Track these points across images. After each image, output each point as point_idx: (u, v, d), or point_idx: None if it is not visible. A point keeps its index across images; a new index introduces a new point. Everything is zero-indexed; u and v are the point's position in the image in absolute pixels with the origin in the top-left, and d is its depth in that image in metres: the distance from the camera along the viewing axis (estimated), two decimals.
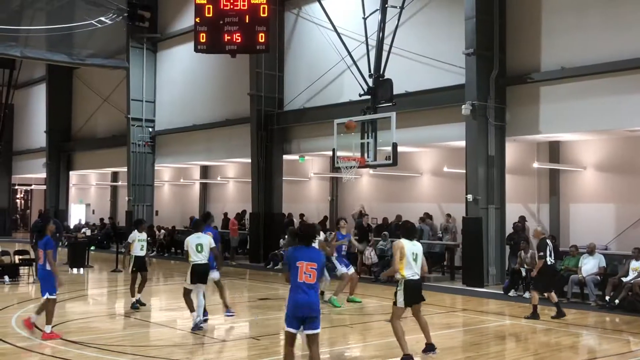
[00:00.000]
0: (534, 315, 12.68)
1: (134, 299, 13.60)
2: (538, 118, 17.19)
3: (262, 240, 23.78)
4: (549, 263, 12.91)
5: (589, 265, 14.66)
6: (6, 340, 9.91)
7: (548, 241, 13.13)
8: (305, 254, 7.13)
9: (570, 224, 18.92)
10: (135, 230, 13.99)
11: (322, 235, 14.75)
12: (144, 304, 13.89)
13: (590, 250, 14.97)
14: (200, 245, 11.29)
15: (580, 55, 16.31)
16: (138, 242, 13.80)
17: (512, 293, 15.74)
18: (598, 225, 17.61)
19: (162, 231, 28.75)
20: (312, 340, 7.04)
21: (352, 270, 14.76)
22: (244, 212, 27.44)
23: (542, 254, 12.84)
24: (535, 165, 18.95)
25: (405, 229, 9.39)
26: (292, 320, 6.99)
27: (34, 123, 39.95)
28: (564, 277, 15.05)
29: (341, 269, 14.40)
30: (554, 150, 19.23)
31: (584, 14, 16.43)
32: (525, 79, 17.31)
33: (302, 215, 25.86)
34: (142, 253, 13.84)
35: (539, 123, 17.17)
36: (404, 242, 9.06)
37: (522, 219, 18.83)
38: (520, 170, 19.60)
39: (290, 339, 7.09)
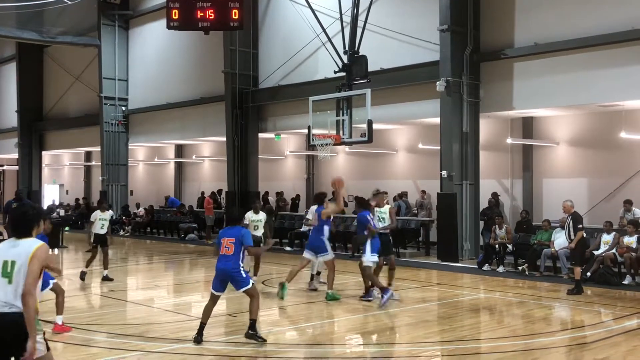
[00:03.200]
0: (579, 290, 12.60)
1: (85, 270, 14.34)
2: (512, 94, 17.31)
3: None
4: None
5: (561, 239, 14.85)
6: None
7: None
8: (227, 232, 8.96)
9: (543, 199, 19.18)
10: (98, 210, 14.54)
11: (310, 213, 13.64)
12: (111, 279, 14.29)
13: (563, 225, 15.17)
14: None
15: (553, 31, 16.42)
16: (99, 220, 14.30)
17: (486, 267, 15.94)
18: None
19: (141, 209, 28.50)
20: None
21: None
22: (219, 190, 27.37)
23: (580, 226, 12.88)
24: (509, 141, 19.12)
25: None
26: (217, 282, 8.85)
27: (5, 102, 39.31)
28: (536, 251, 15.28)
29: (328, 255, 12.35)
30: (527, 126, 19.42)
31: None
32: (499, 55, 17.40)
33: (279, 194, 25.88)
34: (103, 231, 14.35)
35: (513, 99, 17.30)
36: None
37: (495, 195, 19.05)
38: (494, 146, 19.76)
39: (214, 299, 8.90)
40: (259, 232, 14.09)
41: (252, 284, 8.89)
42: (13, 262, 4.89)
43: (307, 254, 12.35)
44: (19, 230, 5.06)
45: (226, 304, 12.39)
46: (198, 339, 8.67)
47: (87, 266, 14.49)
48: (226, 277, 8.79)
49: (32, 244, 4.99)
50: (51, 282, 9.27)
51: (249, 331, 8.82)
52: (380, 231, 12.02)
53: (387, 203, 13.46)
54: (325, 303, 11.81)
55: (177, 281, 15.69)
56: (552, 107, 17.31)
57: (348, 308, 11.54)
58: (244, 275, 8.87)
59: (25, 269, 4.87)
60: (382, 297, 11.30)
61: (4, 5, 24.13)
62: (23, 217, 5.11)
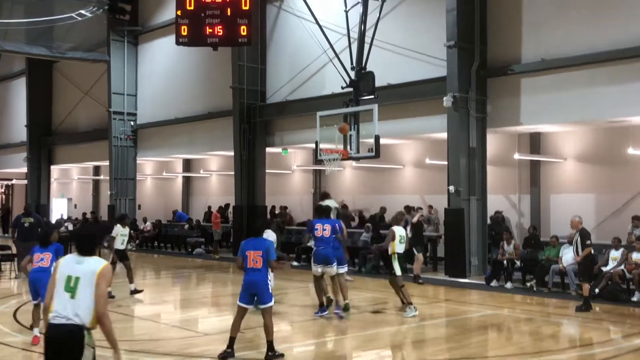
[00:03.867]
0: (587, 307, 12.54)
1: (132, 286, 14.42)
2: (519, 110, 17.31)
3: (245, 233, 23.74)
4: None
5: (570, 255, 14.79)
6: None
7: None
8: (251, 244, 8.77)
9: (550, 215, 19.12)
10: (119, 225, 14.45)
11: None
12: (140, 290, 14.53)
13: (571, 240, 15.12)
14: None
15: (560, 47, 16.44)
16: (120, 236, 14.36)
17: (494, 283, 15.88)
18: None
19: (148, 223, 28.58)
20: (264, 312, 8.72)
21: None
22: (227, 205, 27.42)
23: (588, 242, 12.82)
24: (516, 156, 19.11)
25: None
26: (246, 296, 8.71)
27: (14, 117, 39.54)
28: (544, 267, 15.22)
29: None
30: (535, 142, 19.40)
31: (564, 6, 16.54)
32: (506, 70, 17.42)
33: (284, 208, 25.90)
34: (122, 247, 14.44)
35: (520, 114, 17.30)
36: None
37: (498, 212, 18.93)
38: (501, 161, 19.75)
39: (241, 312, 8.78)
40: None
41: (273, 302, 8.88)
42: (77, 278, 5.10)
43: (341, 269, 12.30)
44: (84, 248, 5.30)
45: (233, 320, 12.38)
46: (230, 354, 8.64)
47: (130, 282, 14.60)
48: (256, 291, 8.68)
49: (97, 263, 5.23)
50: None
51: (269, 353, 8.70)
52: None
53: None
54: (331, 320, 11.79)
55: (184, 296, 15.69)
56: (560, 122, 17.29)
57: (354, 326, 11.52)
58: (270, 291, 8.82)
59: (90, 288, 5.08)
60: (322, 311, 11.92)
61: (14, 21, 24.37)
62: (89, 236, 5.40)
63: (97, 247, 5.47)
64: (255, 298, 8.74)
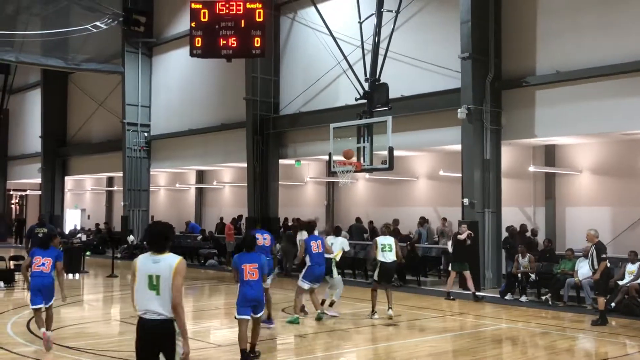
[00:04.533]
0: (603, 321, 12.42)
1: None
2: (534, 121, 17.21)
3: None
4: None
5: (585, 269, 14.63)
6: (1, 346, 9.86)
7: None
8: (247, 258, 9.16)
9: (566, 228, 18.95)
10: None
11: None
12: None
13: (586, 254, 14.96)
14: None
15: (575, 58, 16.35)
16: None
17: (508, 297, 15.73)
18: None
19: None
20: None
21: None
22: (240, 216, 27.40)
23: (604, 256, 12.64)
24: (531, 168, 18.98)
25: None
26: (248, 308, 8.95)
27: (29, 128, 39.86)
28: (560, 281, 15.06)
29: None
30: (550, 154, 19.27)
31: (579, 18, 16.48)
32: (521, 82, 17.35)
33: (297, 220, 25.81)
34: None
35: (535, 126, 17.20)
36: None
37: (512, 227, 18.69)
38: (516, 173, 19.62)
39: (246, 324, 8.96)
40: None
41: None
42: (158, 277, 5.48)
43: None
44: (158, 246, 5.61)
45: None
46: None
47: None
48: (257, 302, 9.01)
49: (173, 259, 5.56)
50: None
51: (251, 354, 9.14)
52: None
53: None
54: (345, 331, 11.70)
55: (196, 307, 15.64)
56: (575, 135, 17.18)
57: (368, 337, 11.43)
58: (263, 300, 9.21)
59: (169, 282, 5.46)
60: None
61: (30, 33, 24.60)
62: (161, 234, 5.68)
63: (170, 244, 5.64)
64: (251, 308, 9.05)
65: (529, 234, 18.29)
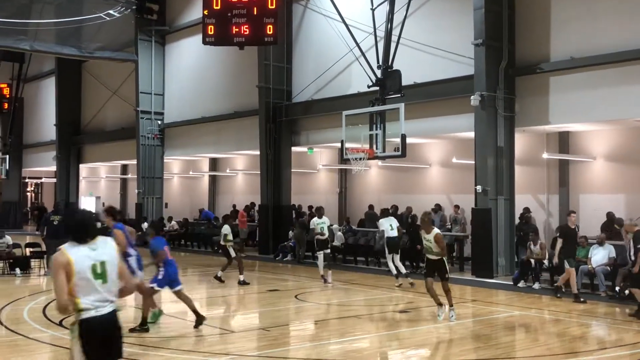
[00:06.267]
0: None
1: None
2: (547, 108, 17.11)
3: (270, 232, 23.82)
4: None
5: (599, 256, 14.60)
6: (18, 332, 10.01)
7: None
8: (162, 241, 11.07)
9: (580, 215, 18.85)
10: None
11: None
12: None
13: (600, 241, 14.92)
14: None
15: (589, 44, 16.21)
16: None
17: (521, 284, 15.71)
18: None
19: (173, 222, 28.79)
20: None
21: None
22: (252, 204, 27.50)
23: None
24: (545, 155, 18.88)
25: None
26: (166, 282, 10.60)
27: (44, 116, 40.12)
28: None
29: None
30: (564, 141, 19.16)
31: (593, 3, 16.32)
32: (535, 69, 17.23)
33: (310, 207, 25.89)
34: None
35: (549, 113, 17.10)
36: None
37: (527, 210, 18.76)
38: (529, 161, 19.54)
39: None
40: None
41: None
42: (103, 263, 4.99)
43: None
44: (91, 233, 5.07)
45: (259, 317, 12.44)
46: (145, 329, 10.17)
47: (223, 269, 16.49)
48: (176, 277, 10.80)
49: (109, 241, 5.17)
50: None
51: (137, 328, 10.18)
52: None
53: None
54: (357, 318, 11.75)
55: (209, 294, 15.76)
56: (589, 121, 17.06)
57: (380, 325, 11.47)
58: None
59: (115, 265, 5.08)
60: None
61: (44, 22, 24.68)
62: (89, 221, 5.18)
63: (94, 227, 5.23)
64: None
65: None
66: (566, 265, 13.75)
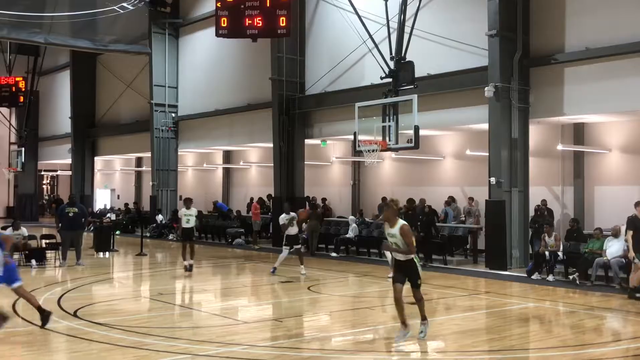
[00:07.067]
0: None
1: (185, 263, 16.66)
2: (562, 99, 17.00)
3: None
4: None
5: (614, 248, 14.51)
6: (34, 322, 10.10)
7: None
8: None
9: (595, 207, 18.76)
10: (184, 207, 17.14)
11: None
12: (190, 269, 16.53)
13: (615, 233, 14.81)
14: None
15: (604, 35, 16.07)
16: (184, 216, 16.91)
17: (535, 276, 15.65)
18: (623, 208, 17.32)
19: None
20: None
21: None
22: (269, 196, 27.54)
23: None
24: (560, 147, 18.77)
25: None
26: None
27: (59, 109, 40.39)
28: (588, 260, 14.94)
29: None
30: (579, 132, 19.04)
31: None
32: (549, 60, 17.10)
33: (324, 200, 25.93)
34: (188, 225, 16.87)
35: (563, 105, 16.98)
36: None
37: (544, 202, 18.71)
38: (544, 152, 19.43)
39: None
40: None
41: None
42: None
43: None
44: None
45: (272, 309, 12.49)
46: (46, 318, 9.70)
47: (184, 259, 16.70)
48: None
49: None
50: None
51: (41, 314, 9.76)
52: None
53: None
54: (370, 309, 11.76)
55: (224, 285, 15.84)
56: (604, 113, 16.93)
57: (393, 316, 11.47)
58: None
59: None
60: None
61: (58, 15, 24.78)
62: None
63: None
64: None
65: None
66: (636, 260, 12.91)
